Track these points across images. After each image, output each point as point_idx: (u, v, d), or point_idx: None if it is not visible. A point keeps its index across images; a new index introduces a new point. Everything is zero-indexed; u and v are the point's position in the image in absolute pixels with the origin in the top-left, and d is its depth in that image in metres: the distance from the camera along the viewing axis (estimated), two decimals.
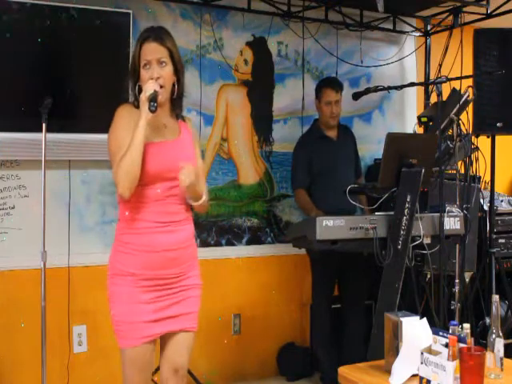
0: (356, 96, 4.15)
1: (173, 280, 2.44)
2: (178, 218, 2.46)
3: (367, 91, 4.10)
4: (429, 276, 3.74)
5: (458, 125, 3.55)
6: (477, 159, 3.80)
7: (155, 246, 2.39)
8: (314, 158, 4.03)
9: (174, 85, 2.48)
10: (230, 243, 4.32)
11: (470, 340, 2.13)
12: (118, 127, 2.41)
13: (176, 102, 2.52)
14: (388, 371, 2.26)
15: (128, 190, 2.31)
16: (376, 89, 4.07)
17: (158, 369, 2.60)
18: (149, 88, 2.34)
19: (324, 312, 4.03)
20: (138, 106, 2.39)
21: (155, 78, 2.39)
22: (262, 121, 4.44)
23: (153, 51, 2.41)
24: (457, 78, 3.67)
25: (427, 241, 3.31)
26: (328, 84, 4.12)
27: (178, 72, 2.48)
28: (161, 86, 2.39)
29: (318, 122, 4.18)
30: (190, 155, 2.50)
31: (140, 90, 2.40)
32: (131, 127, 2.34)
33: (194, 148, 2.57)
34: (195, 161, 2.51)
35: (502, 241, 4.44)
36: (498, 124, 4.09)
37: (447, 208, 3.44)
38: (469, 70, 4.16)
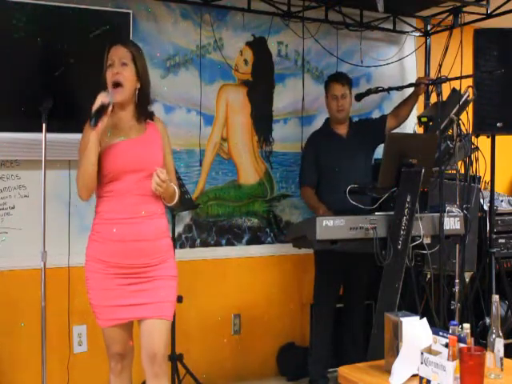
0: (358, 97, 4.16)
1: (141, 269, 2.59)
2: (145, 210, 2.60)
3: (369, 92, 4.11)
4: (429, 276, 3.74)
5: (458, 125, 3.55)
6: (477, 159, 3.80)
7: (122, 236, 2.56)
8: (321, 155, 3.99)
9: (136, 90, 2.65)
10: (230, 243, 4.32)
11: (470, 340, 2.13)
12: (84, 131, 2.62)
13: (140, 108, 2.68)
14: (388, 371, 2.26)
15: (85, 194, 2.62)
16: (377, 90, 4.07)
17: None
18: (97, 101, 2.49)
19: (328, 312, 3.99)
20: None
21: (115, 72, 2.58)
22: (262, 121, 4.43)
23: (116, 52, 2.64)
24: (457, 78, 3.67)
25: (427, 241, 3.32)
26: (334, 78, 4.10)
27: (141, 77, 2.65)
28: (118, 84, 2.57)
29: (329, 119, 4.14)
30: (155, 152, 2.66)
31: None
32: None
33: (163, 146, 2.71)
34: (161, 157, 2.67)
35: (502, 241, 4.44)
36: (498, 124, 4.09)
37: (447, 208, 3.44)
38: (469, 69, 4.15)
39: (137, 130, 2.67)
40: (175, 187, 2.68)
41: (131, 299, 2.59)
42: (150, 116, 2.73)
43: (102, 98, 2.49)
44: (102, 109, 2.48)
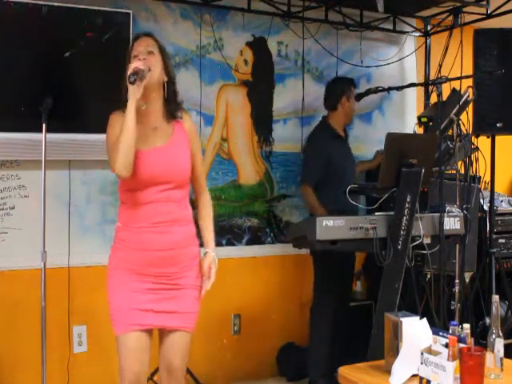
0: (358, 97, 4.17)
1: (167, 278, 2.46)
2: (170, 218, 2.47)
3: (368, 92, 4.11)
4: (429, 276, 3.74)
5: (458, 125, 3.55)
6: (477, 159, 3.80)
7: (147, 245, 2.43)
8: (331, 155, 4.00)
9: (164, 85, 2.48)
10: (230, 243, 4.32)
11: (470, 340, 2.13)
12: (108, 129, 2.46)
13: (169, 103, 2.52)
14: (388, 371, 2.26)
15: (124, 169, 2.34)
16: (377, 90, 4.08)
17: (157, 369, 2.60)
18: (132, 65, 2.34)
19: (330, 312, 3.97)
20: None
21: (142, 58, 2.41)
22: (262, 121, 4.43)
23: (142, 42, 2.49)
24: (457, 78, 3.67)
25: (427, 241, 3.31)
26: (354, 82, 4.19)
27: (169, 70, 2.50)
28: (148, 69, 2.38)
29: (329, 121, 4.15)
30: (183, 161, 2.51)
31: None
32: (120, 125, 2.38)
33: (190, 147, 2.56)
34: (189, 165, 2.53)
35: (502, 241, 4.44)
36: (498, 124, 4.09)
37: (447, 208, 3.44)
38: (469, 69, 4.16)
39: (164, 135, 2.49)
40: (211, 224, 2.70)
41: (158, 305, 2.44)
42: (179, 112, 2.55)
43: (136, 63, 2.34)
44: (138, 70, 2.32)
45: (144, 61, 2.40)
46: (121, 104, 2.41)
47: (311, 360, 4.02)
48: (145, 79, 2.36)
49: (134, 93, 2.34)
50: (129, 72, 2.33)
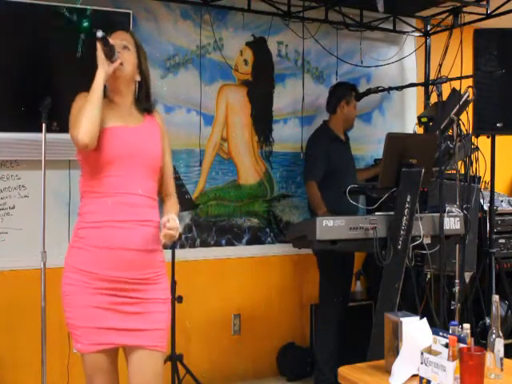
0: (358, 97, 4.17)
1: (132, 287, 2.23)
2: (141, 214, 2.25)
3: (368, 92, 4.11)
4: (429, 276, 3.74)
5: (458, 125, 3.54)
6: (477, 159, 3.80)
7: (110, 243, 2.20)
8: (332, 157, 4.03)
9: (136, 82, 2.37)
10: (230, 243, 4.32)
11: (470, 340, 2.12)
12: (74, 108, 2.31)
13: (140, 103, 2.38)
14: (388, 371, 2.26)
15: (87, 136, 2.15)
16: (377, 90, 4.08)
17: None
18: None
19: (336, 311, 3.96)
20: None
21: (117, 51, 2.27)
22: (262, 121, 4.43)
23: (118, 36, 2.35)
24: (457, 78, 3.67)
25: (427, 241, 3.31)
26: (355, 88, 4.21)
27: (142, 70, 2.37)
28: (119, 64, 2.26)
29: (329, 124, 4.17)
30: (155, 144, 2.36)
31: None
32: (82, 101, 2.26)
33: (162, 142, 2.40)
34: (161, 151, 2.37)
35: (502, 241, 4.45)
36: (498, 124, 4.09)
37: (447, 208, 3.44)
38: (469, 70, 4.16)
39: (135, 119, 2.35)
40: (176, 215, 2.28)
41: (121, 322, 2.21)
42: (150, 110, 2.42)
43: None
44: (107, 40, 2.21)
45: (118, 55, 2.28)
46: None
47: (317, 360, 4.03)
48: (114, 59, 2.24)
49: (103, 63, 2.22)
50: (99, 34, 2.19)
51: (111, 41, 2.25)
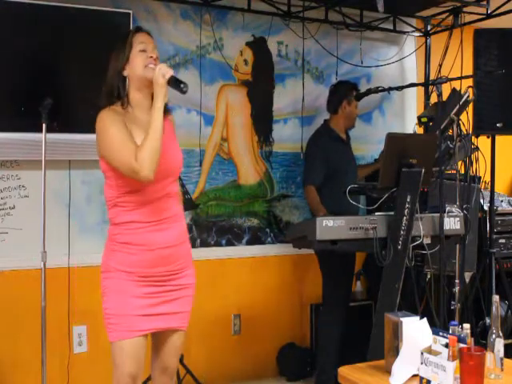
0: (358, 97, 4.16)
1: (167, 278, 2.44)
2: (170, 213, 2.44)
3: (368, 92, 4.11)
4: (429, 276, 3.74)
5: (458, 125, 3.54)
6: (477, 159, 3.80)
7: (150, 245, 2.38)
8: (332, 158, 4.01)
9: None
10: (230, 243, 4.32)
11: (470, 340, 2.12)
12: (109, 125, 2.34)
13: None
14: (388, 371, 2.26)
15: (153, 173, 2.27)
16: (377, 90, 4.08)
17: (149, 378, 2.59)
18: (166, 69, 2.30)
19: (339, 312, 3.95)
20: (119, 103, 2.40)
21: (154, 57, 2.40)
22: (262, 121, 4.43)
23: (149, 39, 2.45)
24: (457, 78, 3.67)
25: (427, 241, 3.31)
26: (356, 87, 4.20)
27: None
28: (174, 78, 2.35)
29: (331, 124, 4.15)
30: (177, 150, 2.50)
31: (124, 81, 2.41)
32: (121, 122, 2.32)
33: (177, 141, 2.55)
34: (181, 154, 2.53)
35: (502, 241, 4.45)
36: (498, 124, 4.09)
37: (447, 208, 3.44)
38: (469, 69, 4.16)
39: None
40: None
41: (154, 308, 2.41)
42: (168, 111, 2.53)
43: (169, 69, 2.31)
44: (175, 78, 2.31)
45: (156, 60, 2.40)
46: (104, 99, 2.40)
47: (318, 359, 4.03)
48: (185, 89, 2.33)
49: (165, 94, 2.32)
50: (169, 74, 2.29)
51: (170, 70, 2.32)
